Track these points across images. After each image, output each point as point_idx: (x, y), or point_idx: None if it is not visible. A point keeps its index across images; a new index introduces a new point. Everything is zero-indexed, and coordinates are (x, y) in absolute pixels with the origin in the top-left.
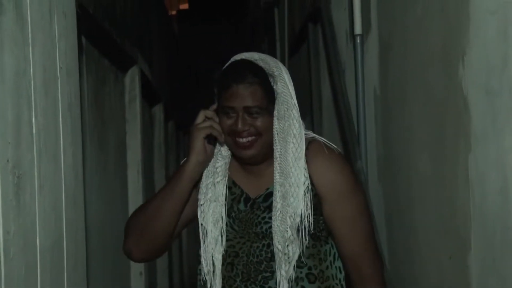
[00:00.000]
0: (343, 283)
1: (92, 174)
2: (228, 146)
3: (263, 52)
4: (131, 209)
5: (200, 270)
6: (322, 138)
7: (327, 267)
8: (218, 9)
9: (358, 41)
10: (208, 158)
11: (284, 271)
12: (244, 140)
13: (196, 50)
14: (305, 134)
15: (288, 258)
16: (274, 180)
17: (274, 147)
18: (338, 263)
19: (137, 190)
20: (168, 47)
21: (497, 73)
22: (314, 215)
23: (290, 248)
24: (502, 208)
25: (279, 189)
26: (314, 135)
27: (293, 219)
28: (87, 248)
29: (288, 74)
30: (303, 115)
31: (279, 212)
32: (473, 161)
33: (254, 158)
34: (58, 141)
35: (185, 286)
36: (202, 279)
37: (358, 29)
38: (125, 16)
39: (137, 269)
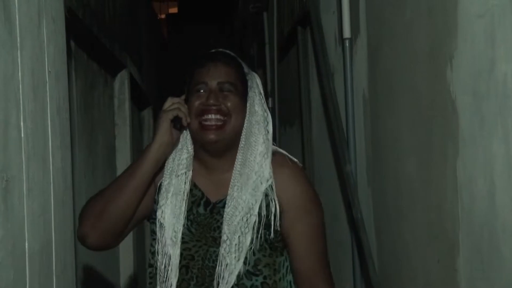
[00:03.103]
0: None
1: (81, 177)
2: (193, 131)
3: (252, 56)
4: None
5: (148, 273)
6: (285, 152)
7: (280, 279)
8: (207, 13)
9: (347, 44)
10: (173, 141)
11: (231, 262)
12: (213, 116)
13: (185, 53)
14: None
15: (239, 249)
16: (234, 169)
17: (241, 137)
18: (290, 277)
19: None
20: (157, 51)
21: (485, 76)
22: (274, 232)
23: (240, 239)
24: (490, 211)
25: (238, 178)
26: (277, 148)
27: (249, 210)
28: (76, 252)
29: (261, 84)
30: (292, 118)
31: (234, 200)
32: (461, 165)
33: (219, 144)
34: (47, 145)
35: None
36: (158, 273)
37: (347, 33)
38: (114, 21)
39: (127, 273)
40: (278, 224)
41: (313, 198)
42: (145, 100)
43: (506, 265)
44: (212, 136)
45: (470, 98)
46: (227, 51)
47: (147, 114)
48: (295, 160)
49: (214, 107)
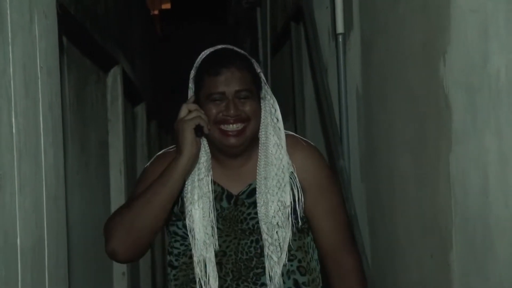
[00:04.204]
0: (320, 275)
1: (73, 174)
2: (213, 137)
3: (245, 50)
4: (113, 209)
5: (172, 275)
6: (294, 133)
7: (310, 260)
8: (200, 9)
9: (340, 39)
10: (199, 151)
11: (276, 257)
12: (234, 126)
13: (178, 49)
14: None
15: (279, 244)
16: (258, 166)
17: (260, 134)
18: (316, 256)
19: (120, 190)
20: (150, 46)
21: (478, 71)
22: (302, 217)
23: (279, 234)
24: (483, 206)
25: (262, 174)
26: (285, 130)
27: (281, 204)
28: (68, 248)
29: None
30: (286, 114)
31: (263, 200)
32: (454, 160)
33: (241, 147)
34: (39, 141)
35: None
36: (197, 278)
37: (340, 28)
38: (107, 16)
39: (119, 270)
40: (302, 208)
41: (331, 176)
42: (138, 96)
43: (499, 260)
44: (233, 141)
45: (463, 93)
46: (234, 48)
47: (140, 110)
48: (307, 140)
49: (233, 118)
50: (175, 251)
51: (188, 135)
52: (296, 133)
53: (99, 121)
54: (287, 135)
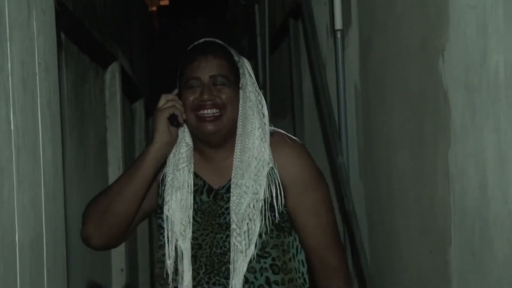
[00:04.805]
0: (306, 276)
1: (72, 170)
2: (191, 124)
3: (243, 48)
4: None
5: (161, 262)
6: (283, 131)
7: (290, 259)
8: (198, 6)
9: (339, 36)
10: (172, 139)
11: (243, 248)
12: (209, 111)
13: (176, 46)
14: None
15: (248, 236)
16: (234, 156)
17: (237, 125)
18: (301, 256)
19: None
20: (148, 43)
21: (477, 68)
22: (280, 214)
23: (249, 226)
24: (482, 203)
25: (239, 165)
26: (274, 128)
27: (254, 197)
28: (67, 244)
29: (251, 68)
30: (284, 111)
31: (238, 188)
32: (453, 157)
33: (217, 135)
34: (37, 137)
35: None
36: (165, 271)
37: (338, 24)
38: (105, 13)
39: (118, 266)
40: (281, 204)
41: (315, 173)
42: (137, 92)
43: (497, 257)
44: (210, 127)
45: (461, 90)
46: (215, 40)
47: (138, 106)
48: (295, 138)
49: (209, 102)
50: (160, 244)
51: (161, 124)
52: (294, 130)
53: (97, 117)
54: (274, 132)
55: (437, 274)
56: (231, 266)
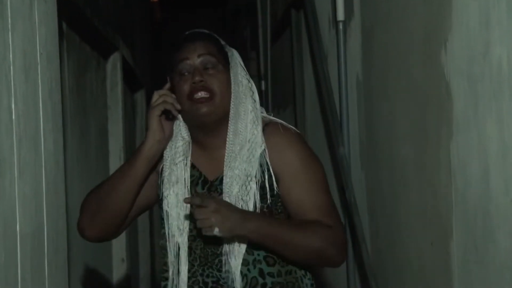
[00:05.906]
0: (305, 271)
1: (73, 160)
2: (186, 112)
3: (245, 38)
4: None
5: (163, 248)
6: (279, 120)
7: None
8: None
9: (341, 27)
10: (166, 136)
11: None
12: (202, 93)
13: (178, 36)
14: (263, 116)
15: None
16: (227, 139)
17: (230, 108)
18: None
19: None
20: (150, 33)
21: (479, 59)
22: (271, 196)
23: (243, 207)
24: (484, 195)
25: (232, 148)
26: (271, 117)
27: (246, 178)
28: (68, 234)
29: (240, 57)
30: (286, 102)
31: (231, 170)
32: (455, 148)
33: (211, 116)
34: (39, 127)
35: None
36: (168, 261)
37: (340, 15)
38: (107, 2)
39: (119, 256)
40: (275, 188)
41: (308, 157)
42: (138, 82)
43: (499, 249)
44: (204, 109)
45: (464, 81)
46: (203, 30)
47: (140, 96)
48: (290, 127)
49: (201, 83)
50: (163, 232)
51: (153, 122)
52: (296, 121)
53: (99, 107)
54: (270, 122)
55: (439, 266)
56: (223, 258)
